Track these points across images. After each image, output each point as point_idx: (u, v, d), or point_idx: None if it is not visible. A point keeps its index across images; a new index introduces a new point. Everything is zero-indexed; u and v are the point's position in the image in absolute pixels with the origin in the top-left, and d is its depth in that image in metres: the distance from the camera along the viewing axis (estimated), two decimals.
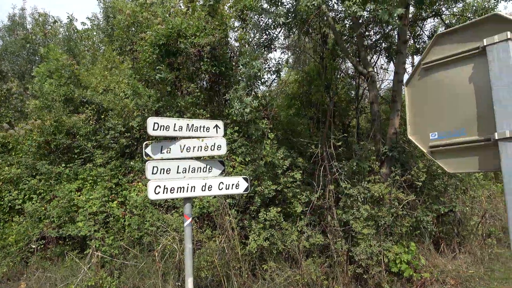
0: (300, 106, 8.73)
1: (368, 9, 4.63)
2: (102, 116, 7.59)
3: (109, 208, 6.26)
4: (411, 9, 7.60)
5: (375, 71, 8.62)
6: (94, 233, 5.96)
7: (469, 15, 7.33)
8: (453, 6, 7.44)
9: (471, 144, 2.02)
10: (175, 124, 3.87)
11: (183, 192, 3.76)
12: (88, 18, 11.34)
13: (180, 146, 3.91)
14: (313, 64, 9.16)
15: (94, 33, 11.30)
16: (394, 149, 5.85)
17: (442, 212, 6.29)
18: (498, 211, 8.15)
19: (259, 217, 5.49)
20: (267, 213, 5.47)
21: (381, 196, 5.35)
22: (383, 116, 7.80)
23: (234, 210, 5.75)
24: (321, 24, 7.90)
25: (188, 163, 3.90)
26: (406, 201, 5.56)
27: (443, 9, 7.75)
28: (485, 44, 1.92)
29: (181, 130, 3.91)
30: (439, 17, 7.49)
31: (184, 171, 3.87)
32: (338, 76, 9.26)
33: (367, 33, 8.35)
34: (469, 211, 6.96)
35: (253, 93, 5.73)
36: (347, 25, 8.10)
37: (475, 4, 7.56)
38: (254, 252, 5.30)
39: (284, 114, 8.64)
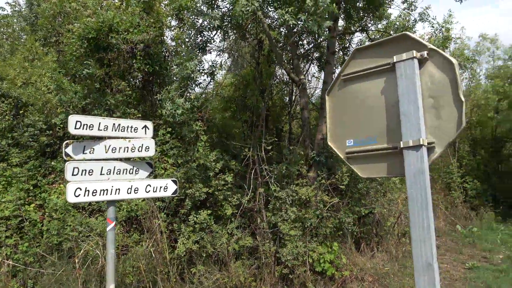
0: (235, 109, 8.79)
1: (300, 19, 4.82)
2: (20, 112, 6.93)
3: (24, 211, 5.72)
4: (341, 22, 8.09)
5: (307, 79, 9.00)
6: (6, 239, 5.40)
7: (392, 32, 7.97)
8: (378, 23, 8.06)
9: (381, 151, 2.20)
10: (100, 123, 3.67)
11: (106, 194, 3.57)
12: (8, 3, 10.30)
13: (105, 147, 3.71)
14: (249, 68, 9.30)
15: (15, 20, 10.30)
16: (321, 154, 6.15)
17: (363, 214, 6.75)
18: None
19: (189, 220, 5.42)
20: (198, 216, 5.42)
21: (308, 199, 5.58)
22: (313, 123, 8.17)
23: (163, 213, 5.60)
24: (257, 29, 8.05)
25: (113, 164, 3.72)
26: (331, 203, 5.87)
27: (369, 25, 8.37)
28: (394, 60, 2.11)
29: (107, 129, 3.72)
30: (365, 32, 8.06)
31: (108, 173, 3.68)
32: (273, 81, 9.51)
33: (300, 42, 8.69)
34: (386, 213, 7.55)
35: (186, 94, 5.65)
36: (282, 33, 8.36)
37: (397, 23, 8.27)
38: (182, 255, 5.21)
39: (220, 116, 8.63)
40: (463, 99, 1.92)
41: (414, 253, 1.96)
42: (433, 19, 6.79)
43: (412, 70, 2.03)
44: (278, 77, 10.15)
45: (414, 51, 2.04)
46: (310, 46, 8.54)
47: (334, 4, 4.75)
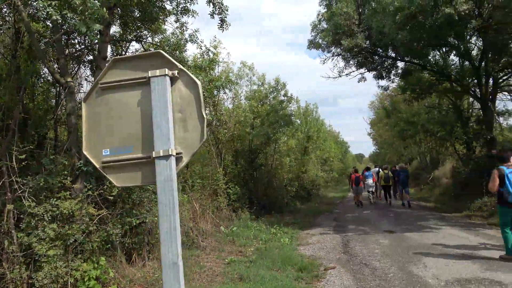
0: None
1: (66, 16, 4.43)
2: None
3: None
4: (117, 29, 7.92)
5: (78, 82, 8.29)
6: None
7: (166, 48, 8.38)
8: (154, 36, 8.33)
9: (136, 160, 2.28)
10: None
11: None
12: None
13: None
14: (2, 61, 7.74)
15: None
16: (89, 164, 5.76)
17: (135, 224, 6.72)
18: (183, 218, 9.56)
19: None
20: None
21: (72, 213, 5.11)
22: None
23: None
24: (15, 17, 6.84)
25: None
26: (99, 216, 5.58)
27: (147, 36, 8.53)
28: (149, 75, 2.25)
29: None
30: (140, 43, 8.16)
31: None
32: (37, 80, 8.24)
33: (71, 41, 7.94)
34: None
35: None
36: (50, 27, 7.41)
37: (173, 39, 8.77)
38: None
39: None
40: (204, 115, 2.24)
41: (162, 253, 2.12)
42: (201, 41, 7.61)
43: (164, 86, 2.22)
44: (43, 76, 8.90)
45: (167, 69, 2.24)
46: (82, 47, 7.93)
47: (105, 9, 4.60)
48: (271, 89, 16.19)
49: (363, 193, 19.44)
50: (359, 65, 14.88)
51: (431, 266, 6.36)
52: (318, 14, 14.89)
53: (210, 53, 8.91)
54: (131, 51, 9.04)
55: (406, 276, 5.89)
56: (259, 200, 15.17)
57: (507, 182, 6.19)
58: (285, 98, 16.94)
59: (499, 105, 16.30)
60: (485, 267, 6.10)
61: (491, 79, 13.88)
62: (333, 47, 14.51)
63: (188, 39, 7.67)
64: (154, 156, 2.18)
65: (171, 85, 2.28)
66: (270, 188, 17.44)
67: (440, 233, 9.40)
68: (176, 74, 2.26)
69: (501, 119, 16.50)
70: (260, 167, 17.07)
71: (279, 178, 19.52)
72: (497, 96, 14.96)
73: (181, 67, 2.28)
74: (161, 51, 2.32)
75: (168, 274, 2.09)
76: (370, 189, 19.08)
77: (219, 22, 7.55)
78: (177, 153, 2.22)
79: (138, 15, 7.35)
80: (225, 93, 13.44)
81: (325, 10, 14.45)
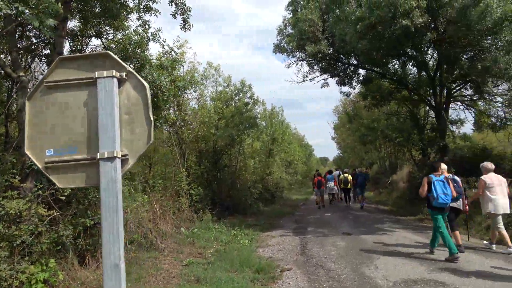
0: None
1: (17, 9, 4.25)
2: None
3: None
4: (77, 23, 7.67)
5: (33, 76, 7.95)
6: None
7: (128, 46, 8.22)
8: (116, 32, 8.14)
9: (81, 161, 2.25)
10: None
11: None
12: None
13: None
14: None
15: None
16: None
17: (89, 225, 6.53)
18: (142, 219, 9.38)
19: None
20: None
21: (19, 213, 4.90)
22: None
23: None
24: None
25: None
26: (50, 217, 5.38)
27: (108, 33, 8.32)
28: (96, 76, 2.23)
29: None
30: (101, 39, 7.95)
31: None
32: None
33: (27, 33, 7.61)
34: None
35: None
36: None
37: (136, 37, 8.60)
38: None
39: None
40: (152, 118, 2.25)
41: (104, 255, 2.11)
42: (163, 41, 7.52)
43: (111, 87, 2.21)
44: None
45: (114, 71, 2.23)
46: (38, 40, 7.62)
47: (60, 4, 4.47)
48: (236, 91, 16.24)
49: (324, 195, 20.29)
50: (322, 71, 15.26)
51: (382, 267, 6.64)
52: (284, 19, 15.14)
53: (173, 52, 8.81)
54: (92, 47, 8.81)
55: (358, 277, 6.11)
56: (222, 201, 15.15)
57: (433, 188, 7.07)
58: (251, 100, 17.06)
59: (452, 114, 17.27)
60: (432, 268, 6.46)
61: (445, 89, 14.68)
62: (297, 52, 14.79)
63: (151, 37, 7.56)
64: (98, 157, 2.17)
65: (119, 87, 2.27)
66: (233, 190, 17.47)
67: (394, 236, 9.82)
68: (124, 76, 2.26)
69: (454, 127, 17.46)
70: (224, 168, 17.06)
71: (243, 179, 19.59)
72: (451, 106, 15.83)
73: (130, 69, 2.28)
74: (110, 52, 2.31)
75: (109, 276, 2.08)
76: (331, 192, 20.18)
77: (182, 22, 7.50)
78: (122, 155, 2.22)
79: (98, 10, 7.16)
80: (190, 93, 13.34)
81: (291, 15, 14.71)
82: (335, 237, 10.11)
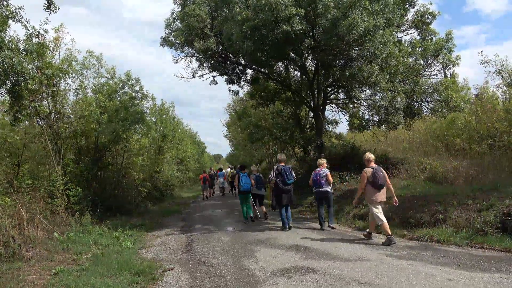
0: None
1: None
2: None
3: None
4: None
5: None
6: None
7: None
8: None
9: None
10: None
11: None
12: None
13: None
14: None
15: None
16: None
17: None
18: (1, 225, 8.13)
19: None
20: None
21: None
22: None
23: None
24: None
25: None
26: None
27: None
28: None
29: None
30: None
31: None
32: None
33: None
34: None
35: None
36: None
37: None
38: None
39: None
40: None
41: None
42: (26, 21, 6.49)
43: None
44: None
45: None
46: None
47: None
48: (121, 84, 15.25)
49: (214, 188, 25.56)
50: (212, 68, 15.29)
51: (261, 259, 6.98)
52: (173, 12, 14.71)
53: (43, 36, 7.78)
54: None
55: (238, 271, 6.31)
56: (105, 201, 14.10)
57: (240, 180, 12.09)
58: (139, 94, 16.24)
59: (329, 115, 19.20)
60: (304, 256, 7.03)
61: (322, 92, 16.17)
62: (186, 48, 14.55)
63: (9, 15, 6.47)
64: None
65: None
66: (119, 189, 16.44)
67: (275, 228, 10.44)
68: None
69: (330, 127, 19.42)
70: (107, 166, 15.92)
71: (130, 178, 18.59)
72: (327, 108, 17.54)
73: None
74: None
75: None
76: (221, 185, 25.02)
77: (46, 3, 6.55)
78: None
79: None
80: (67, 83, 12.00)
81: (179, 9, 14.38)
82: (221, 232, 10.29)
